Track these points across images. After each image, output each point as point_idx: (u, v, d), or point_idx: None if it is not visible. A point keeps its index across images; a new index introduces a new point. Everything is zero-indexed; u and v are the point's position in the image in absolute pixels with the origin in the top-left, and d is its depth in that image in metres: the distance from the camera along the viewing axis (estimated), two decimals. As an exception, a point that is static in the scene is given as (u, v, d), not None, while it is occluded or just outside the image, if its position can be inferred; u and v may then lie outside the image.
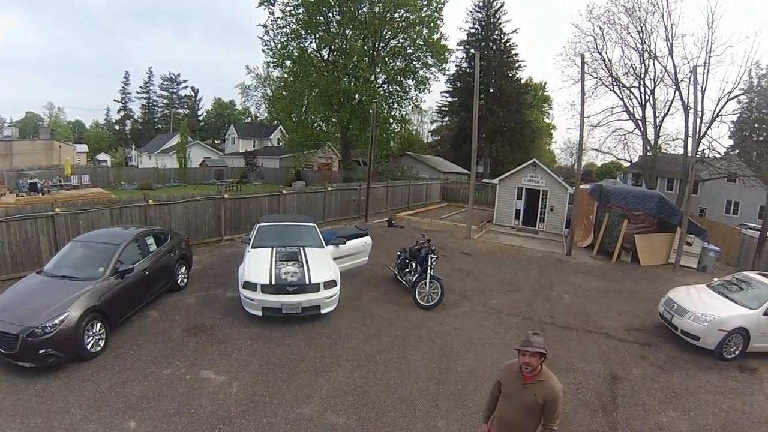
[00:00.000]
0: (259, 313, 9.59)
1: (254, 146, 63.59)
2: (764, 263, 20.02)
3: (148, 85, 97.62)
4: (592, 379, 8.49)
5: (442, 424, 6.66)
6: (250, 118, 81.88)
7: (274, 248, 10.96)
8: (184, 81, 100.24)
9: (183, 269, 11.80)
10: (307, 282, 9.74)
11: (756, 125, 44.80)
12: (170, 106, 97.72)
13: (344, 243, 12.56)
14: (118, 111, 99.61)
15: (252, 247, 11.25)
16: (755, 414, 7.80)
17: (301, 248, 11.11)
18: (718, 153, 35.00)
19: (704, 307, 10.49)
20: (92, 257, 9.18)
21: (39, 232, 11.90)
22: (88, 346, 7.80)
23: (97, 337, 8.02)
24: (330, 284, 10.00)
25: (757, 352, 10.02)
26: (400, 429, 6.48)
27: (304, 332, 9.45)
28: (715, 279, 12.77)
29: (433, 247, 12.25)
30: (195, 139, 65.56)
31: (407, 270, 12.64)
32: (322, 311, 9.92)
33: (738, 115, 40.98)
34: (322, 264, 10.57)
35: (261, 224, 12.41)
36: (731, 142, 42.85)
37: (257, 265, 10.18)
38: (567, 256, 19.68)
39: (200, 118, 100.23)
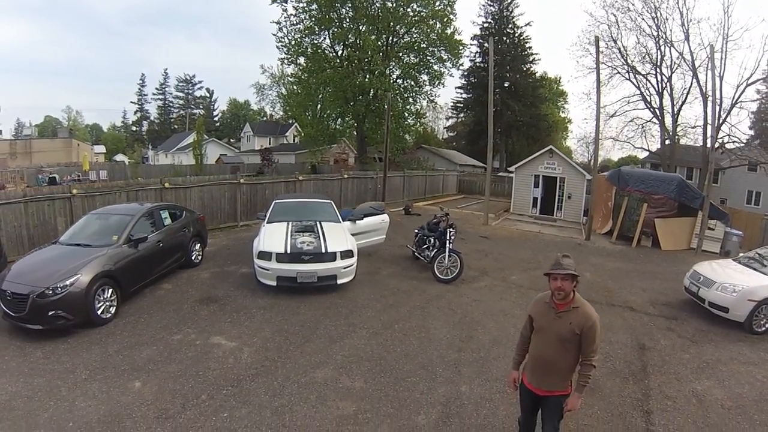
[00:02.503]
0: (274, 283, 9.39)
1: (270, 143, 63.38)
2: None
3: (163, 86, 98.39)
4: (619, 348, 8.15)
5: (466, 389, 6.35)
6: (265, 117, 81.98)
7: (290, 222, 10.78)
8: (200, 82, 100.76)
9: (197, 246, 11.71)
10: (323, 251, 9.54)
11: None
12: (186, 107, 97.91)
13: (361, 219, 12.39)
14: (135, 112, 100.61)
15: (267, 222, 11.11)
16: (792, 384, 7.43)
17: (318, 222, 10.95)
18: (739, 141, 34.17)
19: (732, 278, 10.10)
20: (107, 227, 9.13)
21: (56, 214, 11.84)
22: (99, 312, 7.65)
23: (107, 303, 7.88)
24: (347, 254, 9.78)
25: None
26: (421, 393, 6.18)
27: (320, 302, 9.23)
28: (740, 254, 12.41)
29: (452, 222, 11.98)
30: (217, 140, 66.00)
31: (425, 246, 12.36)
32: (339, 281, 9.70)
33: (758, 104, 40.20)
34: (339, 235, 10.38)
35: (277, 201, 12.33)
36: (752, 132, 42.01)
37: (273, 236, 10.02)
38: (586, 241, 19.34)
39: (216, 118, 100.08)
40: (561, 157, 26.73)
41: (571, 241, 19.08)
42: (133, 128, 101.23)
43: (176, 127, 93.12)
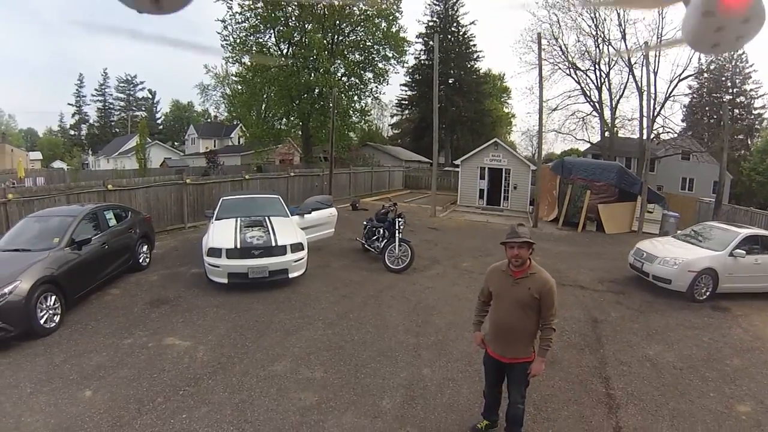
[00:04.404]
0: (225, 281, 9.15)
1: (215, 146, 61.95)
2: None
3: (103, 87, 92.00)
4: (573, 323, 8.48)
5: (428, 372, 6.40)
6: (210, 119, 79.72)
7: (239, 218, 10.55)
8: (141, 82, 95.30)
9: (145, 248, 11.21)
10: (273, 244, 9.40)
11: (707, 108, 47.25)
12: (127, 109, 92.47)
13: (309, 213, 12.29)
14: (73, 115, 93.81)
15: (216, 220, 10.84)
16: (736, 344, 8.01)
17: (266, 217, 10.77)
18: (673, 131, 36.34)
19: (673, 252, 10.82)
20: (47, 230, 8.54)
21: (-10, 221, 11.08)
22: (42, 321, 7.13)
23: (51, 312, 7.37)
24: (297, 247, 9.66)
25: (726, 293, 10.33)
26: (383, 378, 6.16)
27: (273, 297, 9.07)
28: (679, 231, 13.10)
29: (400, 212, 12.09)
30: (161, 143, 63.91)
31: (375, 237, 12.39)
32: (290, 275, 9.54)
33: (690, 99, 42.66)
34: (288, 229, 10.28)
35: (224, 198, 12.07)
36: (684, 124, 44.39)
37: (222, 232, 9.79)
38: (534, 228, 19.78)
39: (159, 120, 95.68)
40: (506, 150, 27.34)
41: (519, 229, 19.47)
42: (72, 132, 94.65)
43: (117, 130, 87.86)
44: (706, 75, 44.54)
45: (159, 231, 14.57)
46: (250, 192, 13.73)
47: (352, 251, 13.35)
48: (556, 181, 22.33)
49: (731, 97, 49.16)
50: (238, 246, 9.20)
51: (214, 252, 9.17)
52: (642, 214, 20.14)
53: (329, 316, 8.25)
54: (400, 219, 11.57)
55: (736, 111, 50.14)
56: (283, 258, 9.38)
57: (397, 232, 11.41)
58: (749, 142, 51.81)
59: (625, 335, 8.07)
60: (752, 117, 52.34)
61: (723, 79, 49.23)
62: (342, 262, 12.18)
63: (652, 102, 24.94)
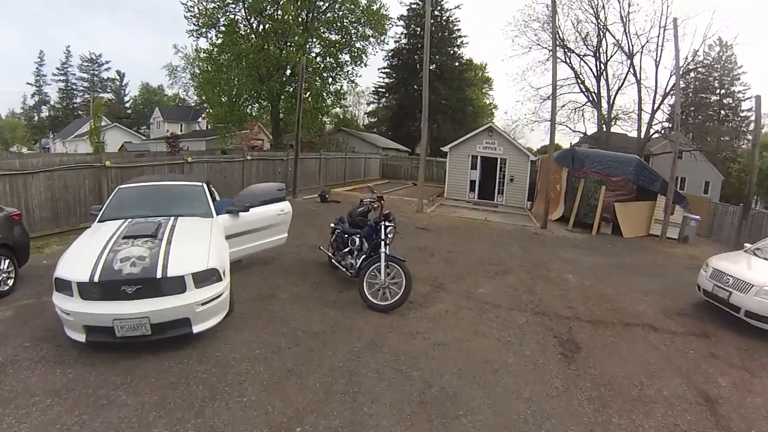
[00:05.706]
0: (82, 338, 5.10)
1: (181, 130, 59.44)
2: (748, 231, 17.95)
3: (65, 66, 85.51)
4: (683, 408, 5.09)
5: None
6: (180, 104, 75.43)
7: (130, 220, 6.44)
8: (107, 62, 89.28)
9: (5, 264, 7.24)
10: (159, 274, 5.15)
11: (692, 108, 47.36)
12: (91, 90, 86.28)
13: (246, 210, 7.87)
14: (32, 95, 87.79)
15: (99, 221, 6.75)
16: None
17: (172, 218, 6.56)
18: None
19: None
20: None
21: None
22: None
23: None
24: (206, 277, 5.44)
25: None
26: None
27: (160, 371, 4.93)
28: (746, 244, 10.09)
29: (387, 210, 8.02)
30: (121, 126, 60.12)
31: (347, 249, 8.21)
32: (195, 329, 5.36)
33: (674, 98, 41.99)
34: (197, 241, 6.07)
35: (122, 186, 7.85)
36: (669, 124, 43.53)
37: (85, 248, 5.64)
38: (543, 230, 16.89)
39: (127, 104, 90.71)
40: (502, 136, 24.71)
41: (526, 229, 16.50)
42: (33, 114, 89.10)
43: (80, 113, 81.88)
44: (692, 75, 44.14)
45: (68, 230, 11.50)
46: (163, 178, 9.32)
47: (315, 266, 9.25)
48: (563, 174, 19.32)
49: (718, 98, 50.29)
50: (98, 277, 5.03)
51: (63, 285, 5.12)
52: (666, 216, 17.56)
53: (254, 430, 4.11)
54: (387, 223, 7.49)
55: (722, 112, 51.24)
56: (178, 300, 5.21)
57: (383, 243, 7.26)
58: (734, 144, 52.05)
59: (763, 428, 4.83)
60: (739, 119, 52.95)
61: (711, 79, 49.78)
62: (296, 287, 7.96)
63: (669, 77, 22.08)
